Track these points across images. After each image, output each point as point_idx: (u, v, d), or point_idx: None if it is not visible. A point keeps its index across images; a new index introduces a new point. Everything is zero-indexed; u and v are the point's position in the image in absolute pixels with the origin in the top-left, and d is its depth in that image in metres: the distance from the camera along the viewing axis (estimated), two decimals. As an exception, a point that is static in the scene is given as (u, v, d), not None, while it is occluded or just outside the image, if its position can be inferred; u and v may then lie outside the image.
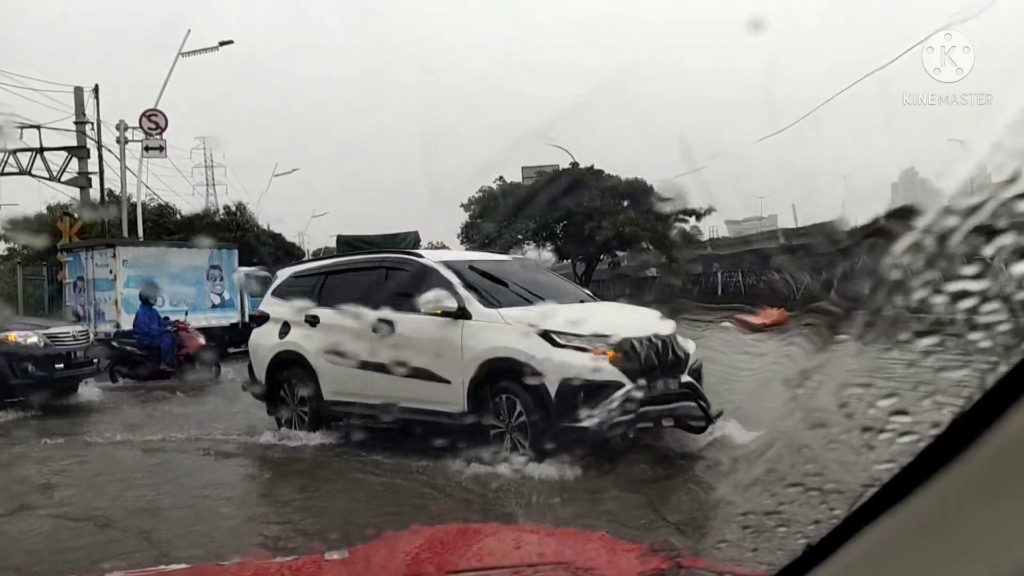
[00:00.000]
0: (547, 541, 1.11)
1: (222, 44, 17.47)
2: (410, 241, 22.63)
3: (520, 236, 24.40)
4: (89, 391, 8.24)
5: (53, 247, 14.24)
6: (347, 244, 22.58)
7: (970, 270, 0.45)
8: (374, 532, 1.28)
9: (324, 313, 5.39)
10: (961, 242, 0.42)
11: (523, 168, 27.94)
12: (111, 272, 11.52)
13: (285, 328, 5.71)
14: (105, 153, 17.02)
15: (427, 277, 4.93)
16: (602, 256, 25.21)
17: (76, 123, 16.65)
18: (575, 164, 25.20)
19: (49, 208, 19.09)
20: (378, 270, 5.44)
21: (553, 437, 4.06)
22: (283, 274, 6.41)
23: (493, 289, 4.91)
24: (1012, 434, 0.40)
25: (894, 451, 0.52)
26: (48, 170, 16.76)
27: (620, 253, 25.11)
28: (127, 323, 10.64)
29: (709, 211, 23.85)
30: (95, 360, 8.26)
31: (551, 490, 3.72)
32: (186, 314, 11.06)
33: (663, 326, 4.65)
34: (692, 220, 24.82)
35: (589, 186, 23.50)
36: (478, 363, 4.49)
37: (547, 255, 25.97)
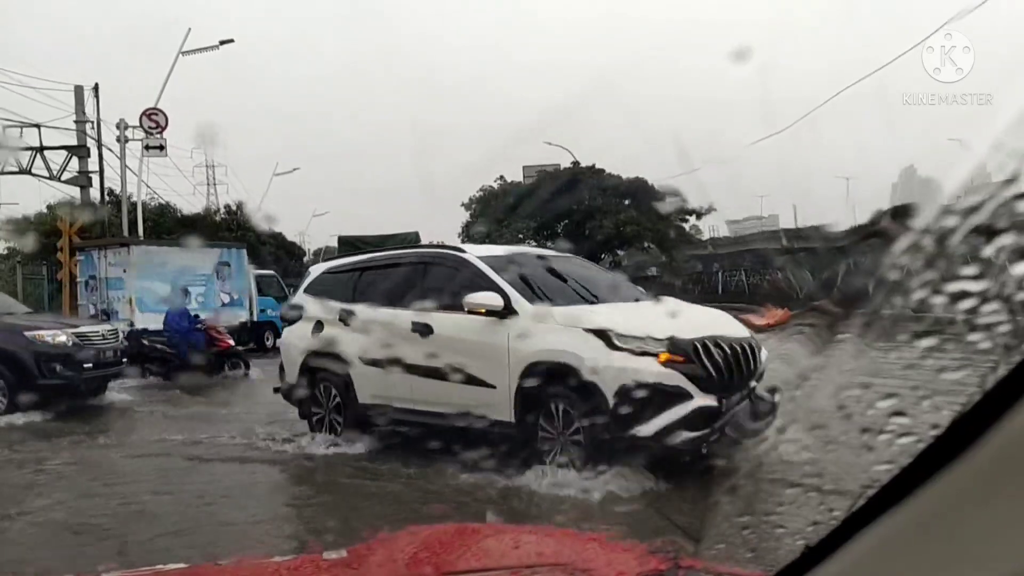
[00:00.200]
0: (545, 541, 1.11)
1: (222, 43, 17.46)
2: (410, 242, 22.64)
3: (521, 235, 24.39)
4: (117, 392, 8.06)
5: (53, 246, 14.25)
6: (348, 244, 22.62)
7: (970, 270, 0.44)
8: (370, 532, 1.28)
9: (359, 311, 5.09)
10: (961, 242, 0.42)
11: (524, 167, 28.01)
12: (125, 271, 11.52)
13: (318, 327, 5.39)
14: (106, 152, 17.02)
15: (469, 273, 4.56)
16: (603, 255, 25.26)
17: (76, 122, 16.64)
18: (576, 163, 25.24)
19: (49, 207, 19.09)
20: (417, 266, 5.07)
21: (611, 449, 3.70)
22: (316, 270, 6.08)
23: (541, 286, 4.49)
24: (1012, 435, 0.40)
25: (893, 452, 0.52)
26: (48, 169, 16.76)
27: (621, 252, 25.14)
28: (141, 322, 10.68)
29: (709, 210, 23.90)
30: (124, 360, 8.14)
31: (609, 504, 3.42)
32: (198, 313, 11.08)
33: (734, 328, 4.16)
34: (692, 219, 24.86)
35: (590, 185, 23.54)
36: (526, 366, 4.06)
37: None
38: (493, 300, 4.27)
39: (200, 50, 17.13)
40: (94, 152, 16.93)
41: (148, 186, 19.75)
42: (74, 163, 16.85)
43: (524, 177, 27.84)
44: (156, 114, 16.57)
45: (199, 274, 12.24)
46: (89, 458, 5.27)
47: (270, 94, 71.14)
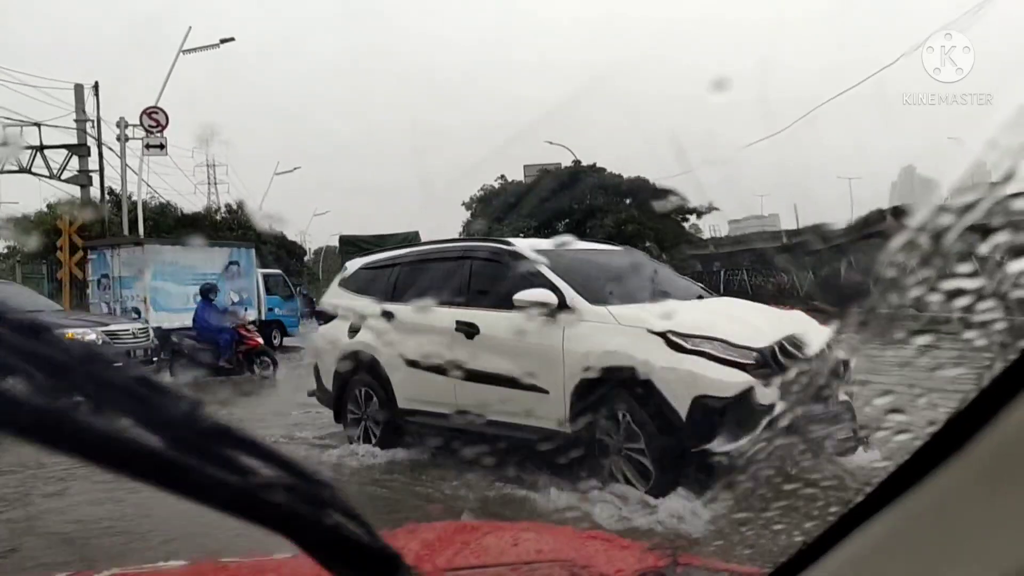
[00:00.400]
0: (545, 538, 1.11)
1: (223, 41, 17.47)
2: (410, 241, 22.66)
3: (522, 234, 24.40)
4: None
5: (53, 245, 14.26)
6: (349, 244, 22.64)
7: (966, 268, 0.45)
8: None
9: (399, 309, 4.78)
10: (957, 240, 0.42)
11: (525, 166, 28.02)
12: (139, 269, 11.55)
13: (355, 326, 5.11)
14: (106, 151, 17.02)
15: (519, 268, 4.20)
16: (603, 254, 25.27)
17: (76, 120, 16.64)
18: (577, 162, 25.25)
19: (49, 206, 19.10)
20: (461, 260, 4.72)
21: (678, 464, 3.38)
22: (352, 265, 5.71)
23: (599, 282, 4.11)
24: (1008, 432, 0.40)
25: (890, 449, 0.53)
26: (48, 168, 16.77)
27: (621, 251, 25.13)
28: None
29: (710, 209, 23.90)
30: (155, 359, 8.08)
31: (676, 525, 2.93)
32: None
33: (814, 329, 3.65)
34: (693, 218, 24.86)
35: (591, 184, 23.54)
36: (584, 370, 3.69)
37: (548, 253, 26.05)
38: (546, 297, 3.90)
39: (201, 48, 17.16)
40: (94, 151, 16.94)
41: (148, 185, 19.76)
42: (74, 162, 16.87)
43: (525, 176, 27.86)
44: (156, 112, 16.59)
45: (210, 273, 12.32)
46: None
47: (271, 93, 71.15)
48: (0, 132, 15.86)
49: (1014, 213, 0.41)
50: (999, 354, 0.43)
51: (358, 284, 5.39)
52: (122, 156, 16.65)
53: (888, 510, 0.46)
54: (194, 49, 16.93)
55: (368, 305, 5.03)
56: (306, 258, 33.62)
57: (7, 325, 0.44)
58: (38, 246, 16.15)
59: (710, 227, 26.74)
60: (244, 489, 0.46)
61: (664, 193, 22.36)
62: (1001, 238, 0.41)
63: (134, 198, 17.22)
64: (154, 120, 16.43)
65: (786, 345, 3.52)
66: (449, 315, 4.38)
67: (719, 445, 3.22)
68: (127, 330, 7.89)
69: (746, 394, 3.34)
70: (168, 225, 20.48)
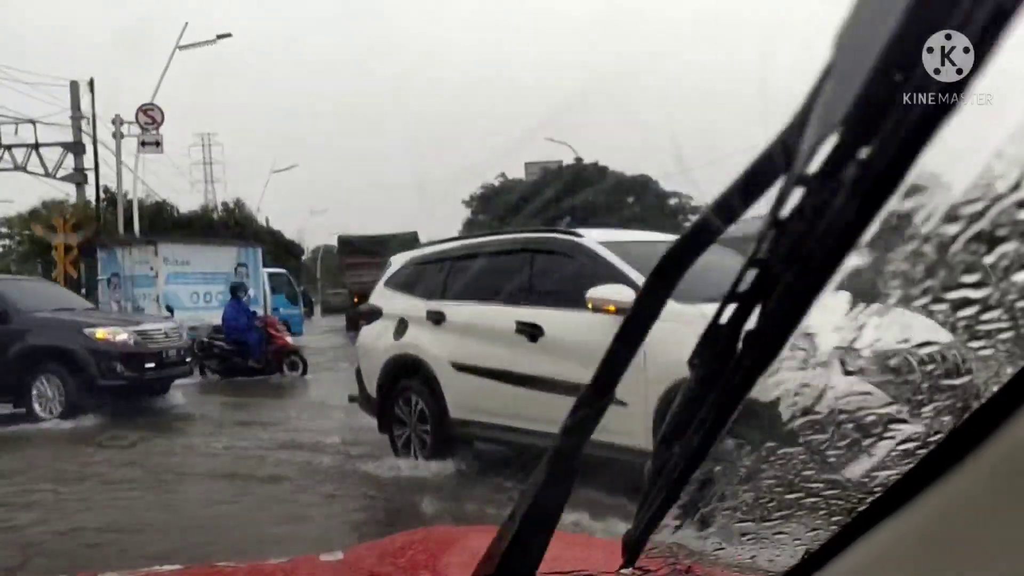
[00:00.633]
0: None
1: (220, 37, 17.41)
2: (408, 242, 22.68)
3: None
4: (178, 393, 7.68)
5: (48, 244, 14.23)
6: (349, 244, 22.63)
7: (971, 277, 0.44)
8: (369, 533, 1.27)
9: (451, 309, 4.41)
10: (962, 249, 0.42)
11: (526, 164, 28.04)
12: (152, 269, 11.61)
13: (402, 326, 4.68)
14: (102, 149, 16.96)
15: (589, 262, 3.83)
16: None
17: (72, 118, 16.57)
18: (579, 160, 25.30)
19: (44, 204, 19.03)
20: (521, 254, 4.26)
21: (794, 493, 2.92)
22: (399, 260, 5.28)
23: (682, 279, 3.67)
24: (1013, 443, 0.40)
25: (893, 458, 0.52)
26: (44, 166, 16.70)
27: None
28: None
29: (714, 208, 23.97)
30: (188, 359, 7.83)
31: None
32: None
33: (935, 332, 2.87)
34: (695, 217, 24.97)
35: (593, 182, 23.60)
36: (671, 380, 3.11)
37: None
38: (624, 295, 3.45)
39: (197, 45, 17.09)
40: (89, 148, 16.88)
41: (144, 183, 19.70)
42: (69, 160, 16.80)
43: (526, 174, 27.89)
44: (152, 109, 16.53)
45: (219, 272, 12.40)
46: (150, 466, 4.88)
47: (268, 90, 71.06)
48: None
49: (1020, 221, 0.41)
50: (1004, 364, 0.43)
51: (405, 281, 4.93)
52: (117, 154, 16.61)
53: (892, 520, 0.46)
54: (190, 45, 16.90)
55: (416, 304, 4.63)
56: (304, 257, 33.61)
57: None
58: (32, 246, 16.09)
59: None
60: None
61: (666, 191, 22.45)
62: (1007, 247, 0.41)
63: (130, 196, 17.18)
64: (150, 117, 16.37)
65: (915, 352, 2.97)
66: (509, 315, 3.97)
67: (842, 468, 2.57)
68: (159, 329, 7.50)
69: (874, 408, 2.81)
70: (165, 224, 20.44)
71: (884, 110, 0.40)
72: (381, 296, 5.11)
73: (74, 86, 16.35)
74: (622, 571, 0.69)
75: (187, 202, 27.61)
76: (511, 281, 4.13)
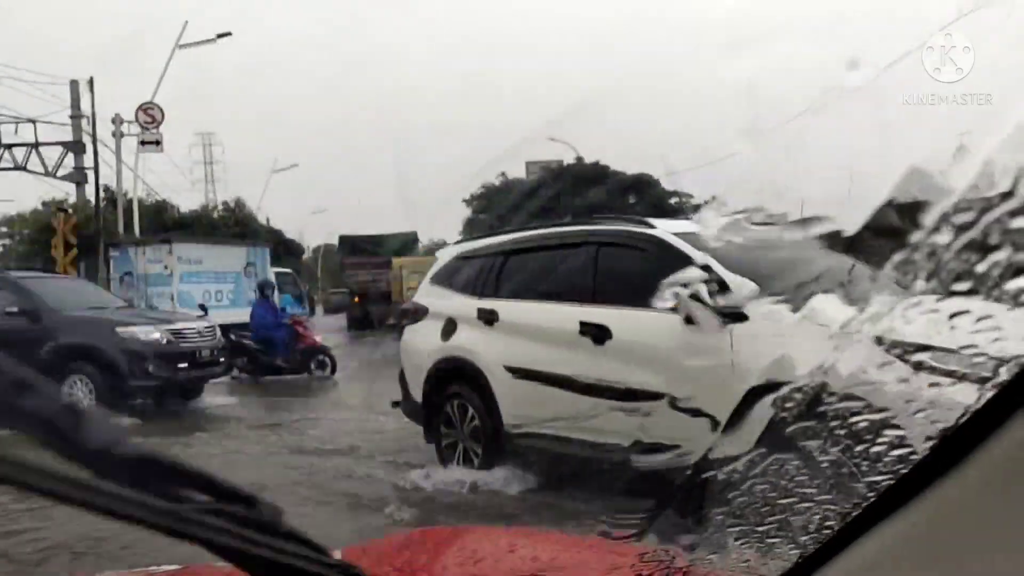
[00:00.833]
0: (541, 546, 1.11)
1: (220, 36, 17.39)
2: (408, 241, 22.73)
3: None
4: (212, 394, 7.49)
5: (47, 243, 14.24)
6: (350, 243, 22.63)
7: (964, 284, 0.44)
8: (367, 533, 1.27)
9: (505, 307, 4.02)
10: (956, 255, 0.42)
11: (527, 163, 27.98)
12: (166, 267, 11.58)
13: (450, 326, 4.30)
14: (102, 148, 16.96)
15: (664, 256, 3.38)
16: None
17: (72, 117, 16.57)
18: (580, 159, 25.25)
19: (44, 204, 19.05)
20: (584, 248, 3.82)
21: None
22: (445, 255, 4.89)
23: (772, 275, 2.92)
24: (1005, 449, 0.40)
25: (887, 464, 0.52)
26: (44, 165, 16.70)
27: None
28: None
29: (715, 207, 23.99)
30: (222, 359, 7.60)
31: None
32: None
33: (928, 340, 2.32)
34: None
35: (594, 182, 23.57)
36: (755, 382, 2.41)
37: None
38: (706, 293, 3.04)
39: (197, 43, 17.08)
40: (89, 148, 16.88)
41: (144, 182, 19.70)
42: (70, 159, 16.80)
43: (527, 174, 27.87)
44: (152, 108, 16.52)
45: (230, 271, 12.45)
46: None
47: (268, 89, 71.03)
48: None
49: (1014, 229, 0.41)
50: (996, 370, 0.43)
51: (452, 278, 4.51)
52: (117, 153, 16.60)
53: (885, 525, 0.46)
54: (191, 44, 16.88)
55: (466, 302, 4.23)
56: (304, 256, 33.62)
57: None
58: (32, 245, 16.11)
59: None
60: (174, 513, 0.44)
61: (667, 191, 22.44)
62: (1001, 255, 0.41)
63: (130, 195, 17.17)
64: (149, 116, 16.36)
65: None
66: (571, 314, 3.58)
67: (846, 476, 2.02)
68: (192, 328, 7.23)
69: None
70: (165, 223, 20.44)
71: None
72: (426, 293, 4.70)
73: (74, 85, 16.35)
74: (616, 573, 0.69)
75: (187, 201, 27.65)
76: (573, 277, 3.74)
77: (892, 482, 0.46)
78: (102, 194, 17.25)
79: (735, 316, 2.94)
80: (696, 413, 2.74)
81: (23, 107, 17.17)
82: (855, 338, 0.83)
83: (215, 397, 7.56)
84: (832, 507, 0.56)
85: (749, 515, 0.61)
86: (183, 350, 6.92)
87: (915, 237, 0.43)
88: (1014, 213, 0.41)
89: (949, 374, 0.81)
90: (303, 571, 0.49)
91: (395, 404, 4.86)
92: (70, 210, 15.58)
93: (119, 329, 6.69)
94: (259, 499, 0.48)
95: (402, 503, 3.71)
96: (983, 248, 0.42)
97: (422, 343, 4.52)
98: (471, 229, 25.98)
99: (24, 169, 16.56)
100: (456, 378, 4.22)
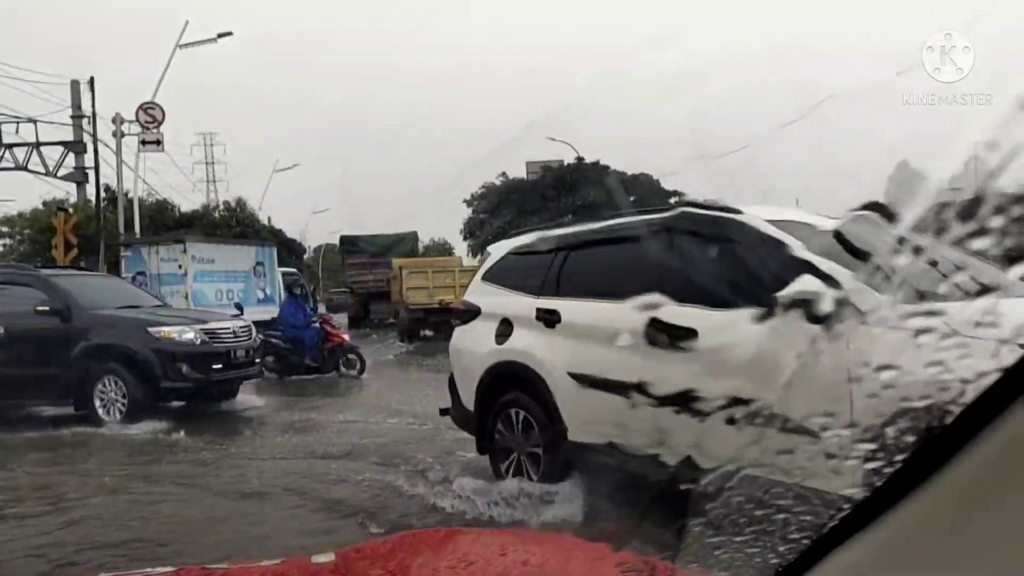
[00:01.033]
0: (531, 547, 1.11)
1: (221, 36, 17.37)
2: (408, 242, 22.76)
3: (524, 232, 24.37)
4: (247, 395, 7.22)
5: (48, 244, 14.26)
6: (350, 243, 22.65)
7: (955, 279, 0.44)
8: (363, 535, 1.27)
9: (568, 307, 3.62)
10: (942, 248, 0.42)
11: (527, 163, 27.97)
12: (180, 267, 11.56)
13: (505, 328, 3.89)
14: (102, 148, 16.97)
15: (759, 249, 2.91)
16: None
17: (72, 117, 16.58)
18: (580, 159, 25.24)
19: (45, 204, 19.06)
20: (661, 239, 3.35)
21: None
22: (499, 250, 4.41)
23: (886, 270, 1.47)
24: (977, 463, 0.40)
25: (861, 476, 0.53)
26: (44, 165, 16.72)
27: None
28: None
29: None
30: (257, 360, 7.35)
31: None
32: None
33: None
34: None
35: (594, 181, 23.57)
36: (894, 408, 1.31)
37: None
38: (815, 290, 2.47)
39: (198, 43, 17.06)
40: (90, 147, 16.88)
41: (145, 182, 19.72)
42: (70, 159, 16.82)
43: (528, 173, 27.86)
44: (152, 108, 16.51)
45: (240, 271, 12.52)
46: (212, 481, 4.42)
47: (269, 89, 70.98)
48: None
49: (1002, 220, 0.41)
50: (964, 388, 0.43)
51: (507, 275, 4.12)
52: (118, 152, 16.60)
53: (861, 536, 0.46)
54: (191, 44, 16.87)
55: (523, 302, 3.85)
56: (306, 256, 33.63)
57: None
58: (32, 245, 16.12)
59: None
60: None
61: (667, 190, 22.41)
62: (986, 242, 0.41)
63: (130, 195, 17.18)
64: (150, 116, 16.36)
65: None
66: (647, 316, 3.13)
67: (820, 488, 1.42)
68: (227, 328, 6.93)
69: None
70: (166, 223, 20.45)
71: None
72: (478, 292, 4.27)
73: (75, 85, 16.36)
74: None
75: (188, 201, 27.67)
76: (650, 273, 3.24)
77: (868, 494, 0.47)
78: (103, 194, 17.28)
79: (848, 317, 2.18)
80: (804, 432, 1.91)
81: (24, 107, 17.23)
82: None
83: (247, 396, 7.37)
84: (808, 518, 0.56)
85: (726, 527, 0.61)
86: (218, 350, 6.66)
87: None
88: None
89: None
90: None
91: (444, 411, 4.50)
92: (70, 210, 15.58)
93: (151, 329, 6.45)
94: None
95: (455, 519, 3.42)
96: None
97: (474, 346, 4.12)
98: (472, 229, 25.98)
99: (25, 169, 16.58)
100: (512, 384, 3.82)
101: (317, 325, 9.55)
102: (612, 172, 24.47)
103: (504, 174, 26.77)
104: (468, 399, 4.12)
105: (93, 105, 16.45)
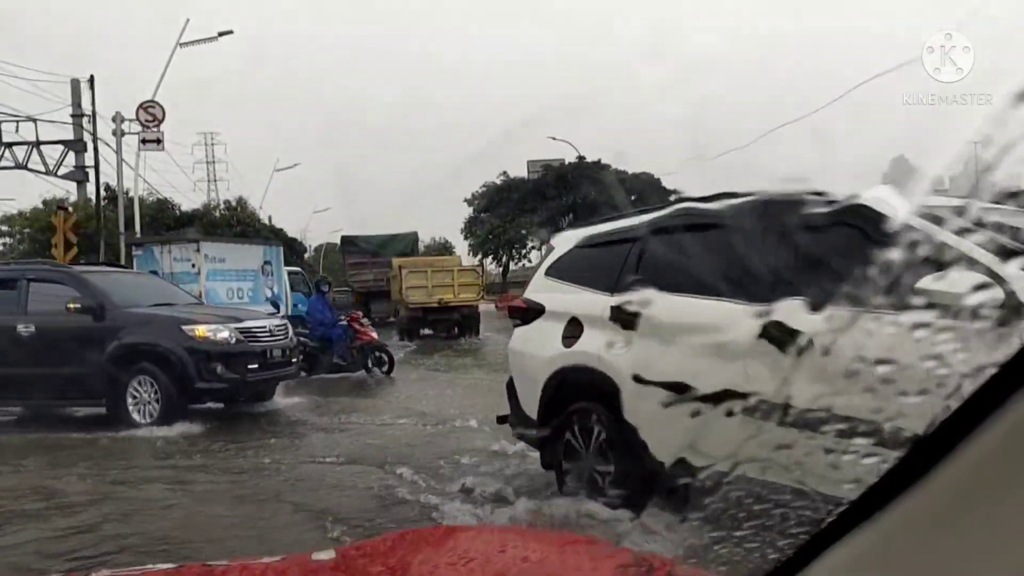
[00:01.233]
0: (531, 544, 1.12)
1: (221, 34, 17.35)
2: (408, 241, 22.78)
3: (524, 231, 24.44)
4: (284, 397, 6.99)
5: (48, 243, 14.26)
6: (351, 243, 22.68)
7: (952, 275, 0.45)
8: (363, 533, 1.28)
9: (652, 304, 3.11)
10: (939, 245, 0.42)
11: (528, 162, 28.04)
12: (194, 266, 11.59)
13: (574, 328, 3.46)
14: (102, 147, 16.97)
15: (889, 238, 1.20)
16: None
17: (73, 116, 16.57)
18: (581, 158, 25.25)
19: (45, 203, 19.07)
20: (759, 227, 2.74)
21: None
22: (564, 241, 3.94)
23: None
24: (974, 459, 0.40)
25: (859, 471, 0.53)
26: (44, 164, 16.71)
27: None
28: None
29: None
30: (294, 360, 7.11)
31: None
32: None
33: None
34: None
35: (595, 180, 23.59)
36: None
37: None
38: (978, 288, 1.13)
39: (198, 41, 17.03)
40: (91, 146, 16.88)
41: (146, 181, 19.72)
42: (70, 158, 16.81)
43: (528, 172, 27.89)
44: (153, 107, 16.50)
45: (249, 270, 12.57)
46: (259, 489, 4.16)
47: (270, 88, 70.94)
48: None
49: (997, 217, 0.41)
50: (962, 383, 0.44)
51: (574, 269, 3.68)
52: (118, 151, 16.59)
53: (861, 529, 0.47)
54: (192, 42, 16.85)
55: (595, 299, 3.40)
56: (307, 255, 33.65)
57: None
58: (32, 244, 16.11)
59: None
60: None
61: (667, 188, 22.41)
62: (980, 237, 0.41)
63: (131, 194, 17.17)
64: (150, 114, 16.34)
65: None
66: (743, 314, 2.65)
67: (817, 484, 1.32)
68: (263, 327, 6.71)
69: None
70: (167, 222, 20.46)
71: None
72: (542, 288, 3.83)
73: (75, 83, 16.35)
74: None
75: (189, 200, 27.69)
76: (744, 266, 2.74)
77: (864, 490, 0.47)
78: (103, 192, 17.26)
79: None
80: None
81: (24, 105, 17.16)
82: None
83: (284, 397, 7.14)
84: (807, 513, 0.56)
85: (724, 521, 0.62)
86: (253, 350, 6.45)
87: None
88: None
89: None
90: None
91: (501, 419, 4.04)
92: (70, 208, 15.58)
93: (184, 327, 6.26)
94: None
95: None
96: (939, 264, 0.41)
97: (538, 348, 3.69)
98: (473, 228, 26.00)
99: (25, 167, 16.57)
100: (583, 392, 3.38)
101: (345, 323, 9.45)
102: (612, 171, 24.48)
103: (505, 173, 26.83)
104: (530, 407, 3.69)
105: (93, 104, 16.46)
